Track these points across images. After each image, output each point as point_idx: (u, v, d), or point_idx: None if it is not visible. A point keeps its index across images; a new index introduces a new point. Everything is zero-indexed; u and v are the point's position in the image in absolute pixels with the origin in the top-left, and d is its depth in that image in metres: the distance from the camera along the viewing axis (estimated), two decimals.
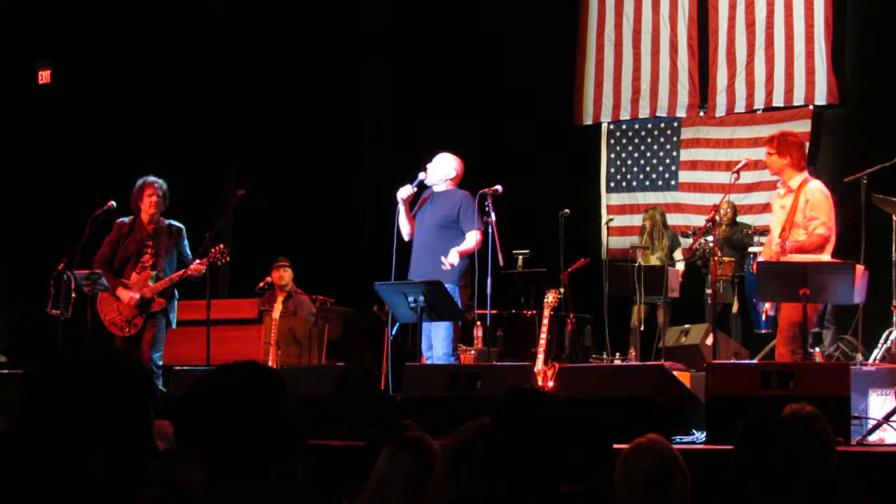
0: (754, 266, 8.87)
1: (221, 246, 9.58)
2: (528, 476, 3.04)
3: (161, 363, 9.55)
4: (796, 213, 8.41)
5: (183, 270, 9.49)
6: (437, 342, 8.87)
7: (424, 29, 14.15)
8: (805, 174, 8.64)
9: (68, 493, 2.48)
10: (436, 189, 9.30)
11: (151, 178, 9.66)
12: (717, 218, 10.04)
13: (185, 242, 9.74)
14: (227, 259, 9.61)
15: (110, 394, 2.59)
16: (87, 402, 2.57)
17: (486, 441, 3.12)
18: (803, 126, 12.76)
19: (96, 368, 2.63)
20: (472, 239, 9.02)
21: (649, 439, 4.24)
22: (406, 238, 9.29)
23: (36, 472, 2.47)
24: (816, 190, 8.50)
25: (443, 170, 9.28)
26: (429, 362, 8.85)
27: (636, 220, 13.60)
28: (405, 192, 9.20)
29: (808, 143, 12.56)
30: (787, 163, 8.50)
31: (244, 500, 2.51)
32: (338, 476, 4.37)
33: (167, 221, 9.73)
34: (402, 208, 9.21)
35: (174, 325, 9.70)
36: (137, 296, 9.45)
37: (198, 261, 9.50)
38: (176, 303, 9.72)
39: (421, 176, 9.25)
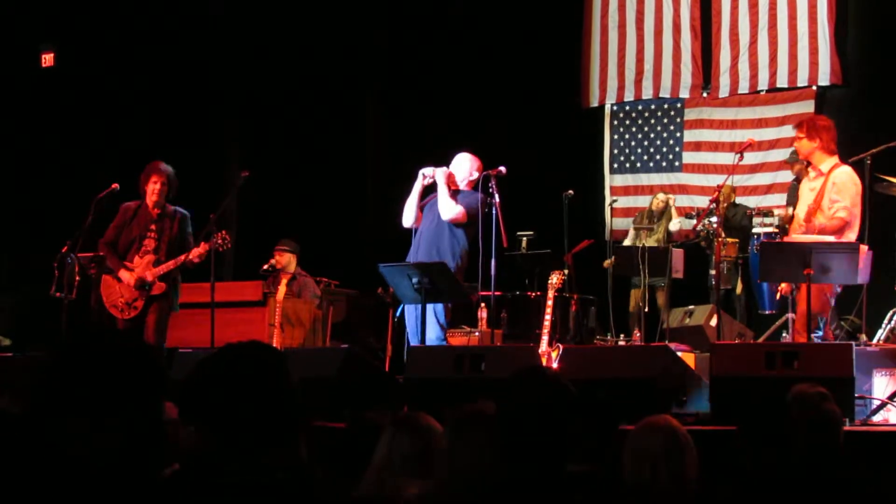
0: (757, 247, 8.89)
1: (224, 232, 9.50)
2: (534, 454, 3.03)
3: (164, 346, 9.55)
4: (823, 198, 8.47)
5: (184, 255, 9.45)
6: (428, 324, 8.84)
7: (433, 12, 14.12)
8: (836, 159, 8.69)
9: (80, 474, 2.47)
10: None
11: (160, 165, 9.63)
12: (720, 199, 10.03)
13: (190, 229, 9.71)
14: (229, 246, 9.57)
15: (123, 377, 2.59)
16: (99, 385, 2.57)
17: (494, 418, 3.12)
18: (807, 107, 12.75)
19: (110, 353, 2.63)
20: (457, 204, 8.98)
21: (659, 418, 4.23)
22: (406, 223, 9.21)
23: (49, 453, 2.47)
24: (844, 173, 8.58)
25: (463, 171, 9.24)
26: (411, 342, 8.85)
27: (640, 201, 13.60)
28: (430, 170, 9.15)
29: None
30: (816, 146, 8.61)
31: (244, 478, 2.50)
32: (342, 457, 4.36)
33: (173, 207, 9.70)
34: (417, 187, 9.15)
35: (176, 310, 9.68)
36: (137, 277, 9.43)
37: (200, 245, 9.47)
38: (179, 287, 9.70)
39: (429, 174, 9.17)
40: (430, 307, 8.76)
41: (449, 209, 9.00)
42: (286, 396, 2.61)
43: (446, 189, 9.04)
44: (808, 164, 8.84)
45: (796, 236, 8.56)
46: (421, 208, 9.19)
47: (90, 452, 2.51)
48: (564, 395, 3.13)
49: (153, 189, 9.54)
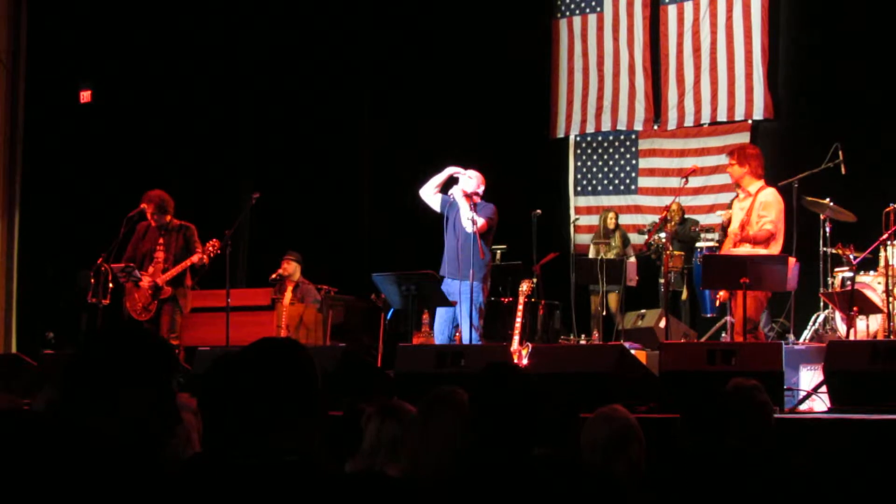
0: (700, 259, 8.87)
1: (215, 241, 9.60)
2: (503, 438, 2.99)
3: (176, 343, 9.61)
4: (752, 214, 8.46)
5: (183, 262, 9.56)
6: (464, 319, 8.83)
7: (428, 59, 14.15)
8: (762, 182, 8.67)
9: (103, 453, 2.43)
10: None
11: (148, 194, 9.81)
12: (668, 217, 10.05)
13: (194, 239, 9.77)
14: (219, 251, 9.63)
15: (137, 364, 2.56)
16: (117, 371, 2.54)
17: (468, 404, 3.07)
18: (743, 138, 12.77)
19: (125, 342, 2.60)
20: (479, 216, 9.00)
21: (611, 408, 4.20)
22: (422, 194, 9.20)
23: (76, 435, 2.44)
24: (770, 194, 8.59)
25: (475, 185, 9.18)
26: (434, 340, 8.80)
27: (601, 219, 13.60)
28: (454, 170, 9.16)
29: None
30: (746, 171, 8.61)
31: (254, 460, 2.45)
32: (339, 440, 4.33)
33: (179, 222, 9.79)
34: (445, 173, 9.16)
35: (185, 312, 9.76)
36: (151, 282, 9.53)
37: (198, 252, 9.58)
38: (187, 293, 9.76)
39: (456, 171, 9.20)
40: (465, 312, 8.74)
41: (483, 221, 8.98)
42: (309, 389, 2.54)
43: (467, 205, 8.99)
44: (738, 186, 8.81)
45: (734, 249, 8.53)
46: (439, 188, 9.19)
47: (115, 433, 2.47)
48: (529, 387, 3.09)
49: (148, 213, 9.74)
